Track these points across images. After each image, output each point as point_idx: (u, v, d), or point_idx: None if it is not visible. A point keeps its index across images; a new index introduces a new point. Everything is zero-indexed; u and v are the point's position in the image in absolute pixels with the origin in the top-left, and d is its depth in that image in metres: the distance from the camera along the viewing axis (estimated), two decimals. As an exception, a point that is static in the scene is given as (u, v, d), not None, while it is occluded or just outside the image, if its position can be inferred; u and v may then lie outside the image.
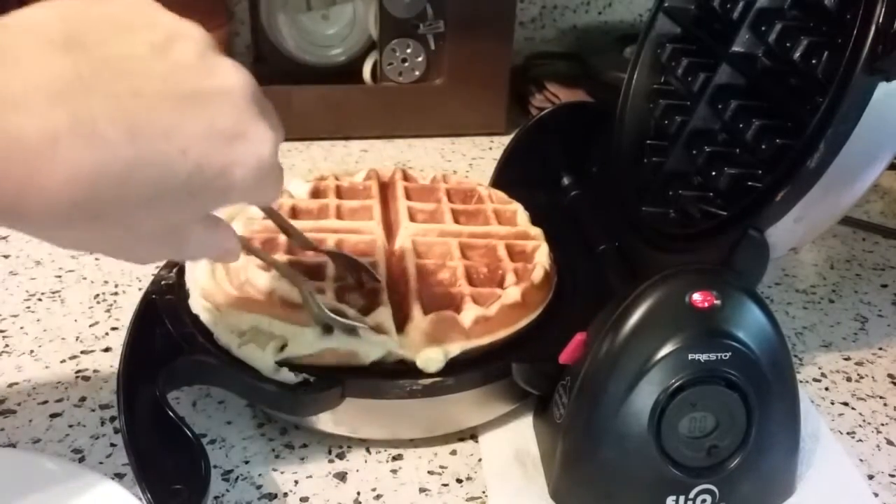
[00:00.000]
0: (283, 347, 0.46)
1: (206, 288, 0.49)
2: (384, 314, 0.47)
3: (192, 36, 0.34)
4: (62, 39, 0.30)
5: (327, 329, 0.46)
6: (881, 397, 0.57)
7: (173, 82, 0.32)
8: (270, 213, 0.48)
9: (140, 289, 0.61)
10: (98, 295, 0.63)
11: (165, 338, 0.48)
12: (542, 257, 0.54)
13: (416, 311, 0.48)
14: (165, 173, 0.31)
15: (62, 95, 0.29)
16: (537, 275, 0.52)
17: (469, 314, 0.48)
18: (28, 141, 0.28)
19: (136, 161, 0.30)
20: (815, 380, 0.59)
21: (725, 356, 0.43)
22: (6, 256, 0.67)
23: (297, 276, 0.47)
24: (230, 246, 0.39)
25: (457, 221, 0.57)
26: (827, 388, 0.58)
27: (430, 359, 0.46)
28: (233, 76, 0.34)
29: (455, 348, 0.47)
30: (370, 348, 0.46)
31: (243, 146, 0.33)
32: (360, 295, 0.49)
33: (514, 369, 0.48)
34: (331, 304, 0.47)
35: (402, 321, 0.48)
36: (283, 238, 0.52)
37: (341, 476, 0.48)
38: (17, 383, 0.54)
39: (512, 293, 0.50)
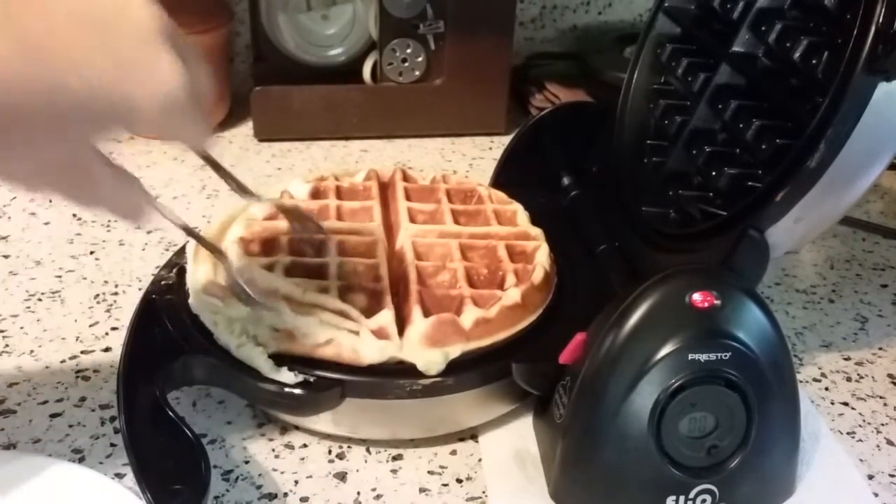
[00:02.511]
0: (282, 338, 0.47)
1: (208, 282, 0.49)
2: (386, 317, 0.47)
3: None
4: None
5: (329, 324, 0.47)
6: (881, 397, 0.57)
7: (86, 4, 0.33)
8: (208, 160, 0.45)
9: (140, 289, 0.61)
10: (98, 295, 0.63)
11: (165, 338, 0.48)
12: (542, 258, 0.54)
13: (417, 314, 0.48)
14: (59, 90, 0.32)
15: None
16: (537, 276, 0.52)
17: (469, 316, 0.48)
18: None
19: (27, 75, 0.31)
20: (815, 380, 0.59)
21: (725, 356, 0.43)
22: (6, 256, 0.67)
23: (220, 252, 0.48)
24: (138, 202, 0.39)
25: (457, 222, 0.57)
26: (827, 388, 0.58)
27: (431, 361, 0.46)
28: (146, 11, 0.34)
29: (455, 350, 0.47)
30: (372, 350, 0.46)
31: (147, 77, 0.34)
32: (364, 296, 0.49)
33: (514, 369, 0.48)
34: (332, 302, 0.47)
35: (401, 323, 0.48)
36: (284, 238, 0.52)
37: (341, 476, 0.48)
38: (17, 383, 0.54)
39: (512, 294, 0.50)
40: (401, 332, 0.47)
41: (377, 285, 0.50)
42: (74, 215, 0.73)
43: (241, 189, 0.48)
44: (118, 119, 0.35)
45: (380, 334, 0.46)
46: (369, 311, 0.48)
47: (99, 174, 0.36)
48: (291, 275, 0.49)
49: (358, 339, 0.46)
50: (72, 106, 0.33)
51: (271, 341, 0.46)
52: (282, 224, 0.54)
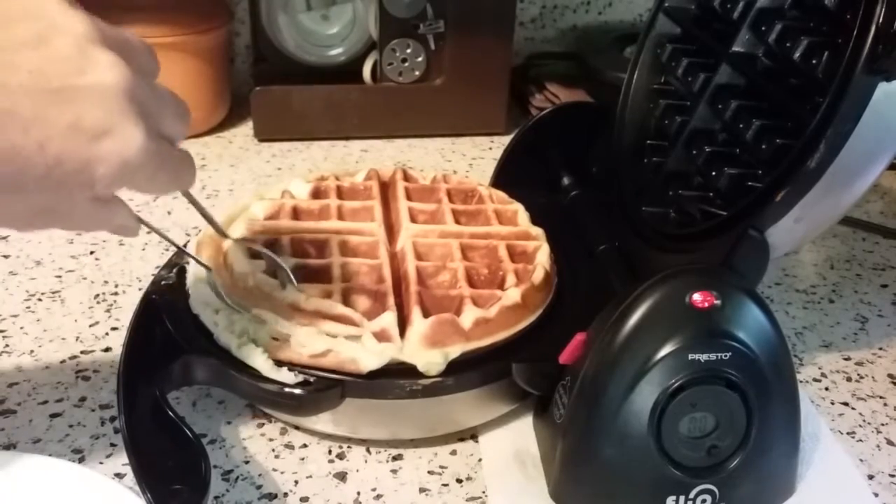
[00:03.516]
0: (281, 347, 0.46)
1: (212, 272, 0.50)
2: (388, 319, 0.47)
3: (73, 29, 0.33)
4: None
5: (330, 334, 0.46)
6: (881, 397, 0.57)
7: (41, 76, 0.32)
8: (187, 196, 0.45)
9: (140, 289, 0.61)
10: (98, 295, 0.63)
11: (165, 338, 0.48)
12: (542, 258, 0.54)
13: (416, 314, 0.47)
14: (22, 167, 0.32)
15: None
16: (537, 276, 0.52)
17: (469, 316, 0.48)
18: None
19: None
20: (815, 380, 0.59)
21: (725, 356, 0.43)
22: (6, 256, 0.67)
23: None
24: (123, 223, 0.39)
25: (457, 222, 0.57)
26: (827, 388, 0.58)
27: (431, 362, 0.46)
28: (109, 72, 0.33)
29: (455, 350, 0.47)
30: (371, 358, 0.46)
31: (107, 144, 0.33)
32: (367, 297, 0.49)
33: (515, 369, 0.48)
34: (335, 308, 0.47)
35: (402, 324, 0.48)
36: (286, 239, 0.52)
37: (341, 476, 0.48)
38: (17, 383, 0.54)
39: (512, 295, 0.50)
40: (402, 332, 0.47)
41: (380, 286, 0.50)
42: (74, 215, 0.73)
43: (218, 230, 0.50)
44: (77, 187, 0.34)
45: (382, 336, 0.46)
46: (372, 313, 0.48)
47: (73, 211, 0.36)
48: (294, 277, 0.49)
49: (358, 348, 0.46)
50: (35, 179, 0.32)
51: (271, 350, 0.46)
52: (283, 224, 0.54)
